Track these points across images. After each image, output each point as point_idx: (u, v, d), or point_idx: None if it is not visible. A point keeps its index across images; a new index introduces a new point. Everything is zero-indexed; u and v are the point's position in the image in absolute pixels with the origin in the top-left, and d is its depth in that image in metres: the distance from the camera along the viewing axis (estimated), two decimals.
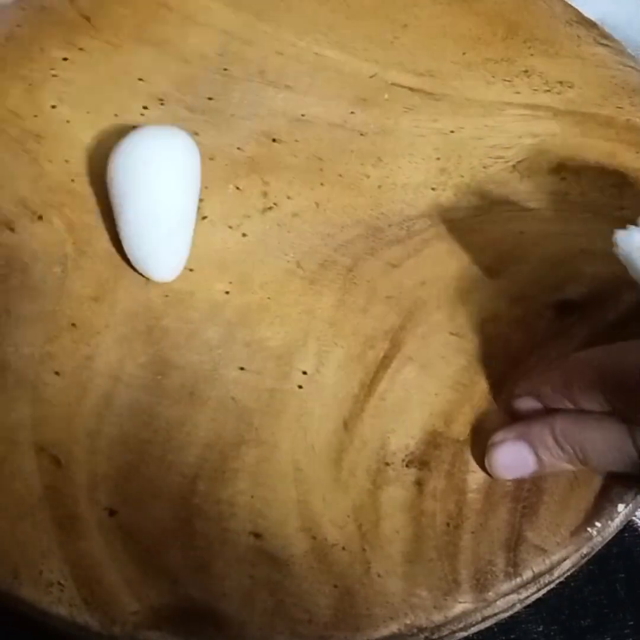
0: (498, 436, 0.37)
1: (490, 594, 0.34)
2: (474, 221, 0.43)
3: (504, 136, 0.45)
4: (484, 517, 0.36)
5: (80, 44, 0.47)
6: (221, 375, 0.38)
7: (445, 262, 0.42)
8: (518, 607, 0.36)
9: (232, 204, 0.43)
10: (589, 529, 0.36)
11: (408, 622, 0.34)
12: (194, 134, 0.44)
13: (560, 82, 0.47)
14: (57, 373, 0.38)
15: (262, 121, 0.45)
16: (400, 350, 0.39)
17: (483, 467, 0.37)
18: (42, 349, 0.38)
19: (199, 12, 0.48)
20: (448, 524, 0.35)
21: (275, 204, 0.43)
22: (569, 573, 0.37)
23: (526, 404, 0.37)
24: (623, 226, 0.35)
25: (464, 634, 0.36)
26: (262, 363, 0.39)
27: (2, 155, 0.43)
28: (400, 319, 0.40)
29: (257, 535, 0.35)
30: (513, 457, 0.36)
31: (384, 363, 0.39)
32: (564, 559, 0.35)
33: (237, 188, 0.43)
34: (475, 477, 0.36)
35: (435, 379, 0.39)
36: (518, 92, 0.46)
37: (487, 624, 0.36)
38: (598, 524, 0.36)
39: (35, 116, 0.45)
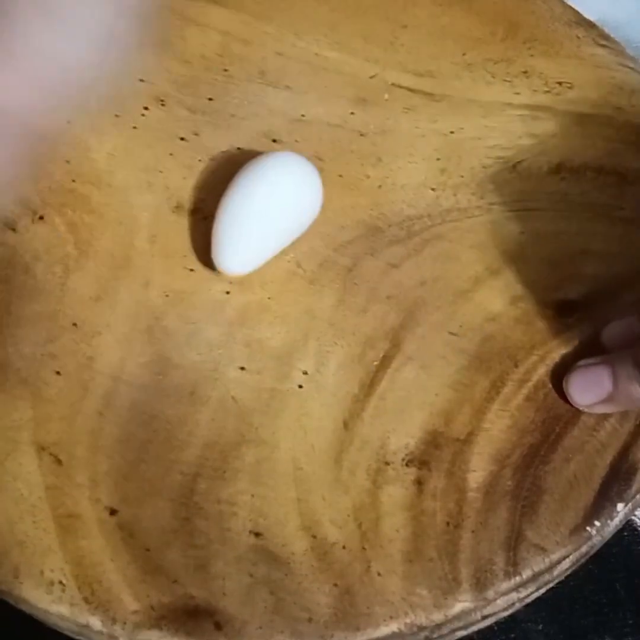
0: (581, 361, 0.37)
1: (490, 592, 0.34)
2: (474, 221, 0.43)
3: (503, 136, 0.45)
4: (484, 516, 0.36)
5: None
6: (221, 374, 0.39)
7: (445, 262, 0.42)
8: (518, 606, 0.36)
9: None
10: (588, 528, 0.36)
11: (408, 621, 0.34)
12: (194, 134, 0.44)
13: (560, 83, 0.47)
14: (58, 373, 0.38)
15: (262, 121, 0.45)
16: (400, 350, 0.39)
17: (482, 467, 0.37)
18: (43, 349, 0.39)
19: (199, 13, 0.48)
20: (448, 523, 0.36)
21: None
22: (568, 572, 0.37)
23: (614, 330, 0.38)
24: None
25: (464, 632, 0.36)
26: (262, 363, 0.39)
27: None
28: (400, 319, 0.40)
29: (257, 534, 0.35)
30: (589, 379, 0.36)
31: (384, 363, 0.39)
32: (564, 558, 0.36)
33: None
34: (475, 476, 0.37)
35: (435, 378, 0.39)
36: (518, 93, 0.46)
37: (487, 622, 0.36)
38: (597, 523, 0.36)
39: None
